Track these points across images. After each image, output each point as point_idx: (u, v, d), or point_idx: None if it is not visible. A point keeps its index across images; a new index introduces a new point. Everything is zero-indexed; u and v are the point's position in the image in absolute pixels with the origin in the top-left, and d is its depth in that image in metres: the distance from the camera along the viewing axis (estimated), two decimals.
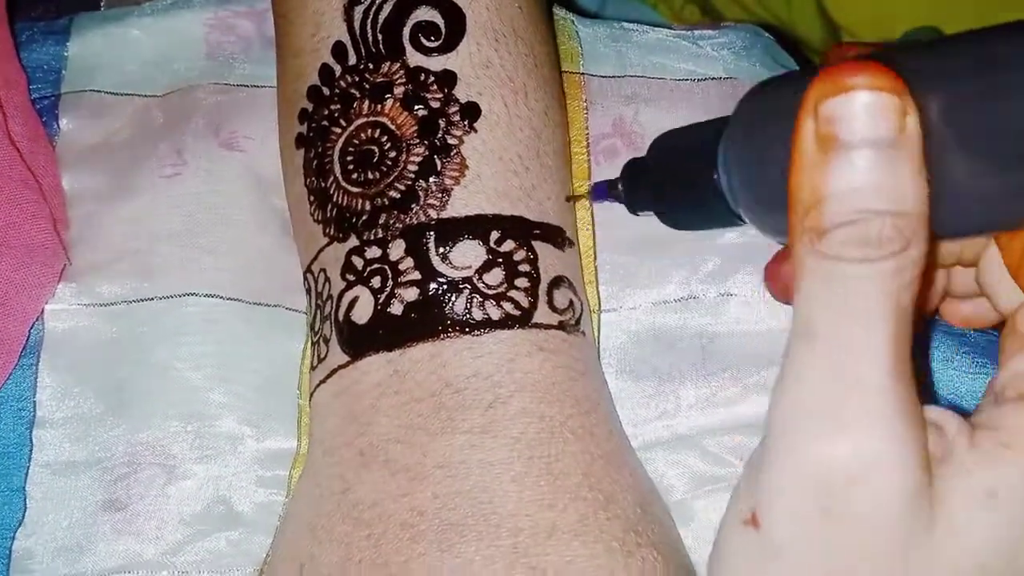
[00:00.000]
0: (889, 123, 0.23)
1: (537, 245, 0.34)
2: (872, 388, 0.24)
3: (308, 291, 0.37)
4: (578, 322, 0.35)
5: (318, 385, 0.35)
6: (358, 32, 0.35)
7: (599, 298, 0.39)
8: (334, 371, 0.34)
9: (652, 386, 0.38)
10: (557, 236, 0.35)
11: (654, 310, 0.39)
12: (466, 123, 0.34)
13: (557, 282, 0.34)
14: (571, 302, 0.35)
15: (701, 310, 0.39)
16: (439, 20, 0.35)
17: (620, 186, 0.36)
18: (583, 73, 0.42)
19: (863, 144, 0.23)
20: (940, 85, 0.24)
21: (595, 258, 0.39)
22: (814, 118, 0.24)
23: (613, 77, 0.42)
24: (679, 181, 0.33)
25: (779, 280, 0.32)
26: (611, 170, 0.40)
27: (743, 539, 0.26)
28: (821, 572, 0.25)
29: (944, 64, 0.24)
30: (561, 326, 0.34)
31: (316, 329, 0.36)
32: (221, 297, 0.39)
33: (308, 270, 0.36)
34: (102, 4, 0.54)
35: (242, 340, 0.39)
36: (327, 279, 0.35)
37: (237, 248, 0.40)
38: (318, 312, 0.36)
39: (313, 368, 0.36)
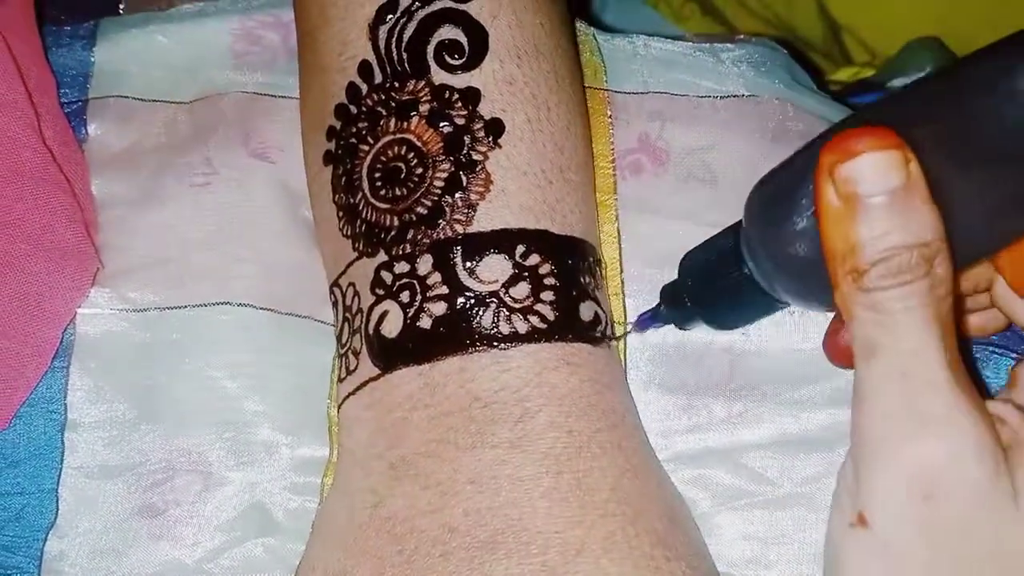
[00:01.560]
0: (897, 173, 0.27)
1: (562, 259, 0.35)
2: (938, 384, 0.28)
3: (335, 304, 0.37)
4: (603, 335, 0.35)
5: (347, 397, 0.36)
6: (383, 51, 0.36)
7: (625, 312, 0.39)
8: (365, 383, 0.35)
9: (683, 399, 0.39)
10: (581, 249, 0.36)
11: None
12: (490, 139, 0.35)
13: (582, 295, 0.35)
14: (596, 315, 0.35)
15: None
16: (462, 38, 0.35)
17: (662, 308, 0.37)
18: (607, 89, 0.43)
19: (880, 195, 0.27)
20: (922, 123, 0.28)
21: (621, 271, 0.40)
22: (831, 181, 0.28)
23: (637, 93, 0.43)
24: (715, 287, 0.34)
25: (836, 347, 0.35)
26: (637, 185, 0.41)
27: (854, 540, 0.29)
28: (926, 556, 0.28)
29: (917, 106, 0.29)
30: (587, 339, 0.34)
31: (344, 342, 0.36)
32: (254, 307, 0.40)
33: (335, 284, 0.37)
34: (121, 8, 0.55)
35: (276, 349, 0.40)
36: (356, 293, 0.36)
37: (268, 258, 0.41)
38: (346, 325, 0.36)
39: (341, 380, 0.36)
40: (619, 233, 0.40)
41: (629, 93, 0.43)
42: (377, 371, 0.34)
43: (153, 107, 0.44)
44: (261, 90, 0.44)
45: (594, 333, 0.35)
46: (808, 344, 0.39)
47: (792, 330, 0.39)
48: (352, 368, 0.36)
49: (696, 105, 0.43)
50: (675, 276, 0.38)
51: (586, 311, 0.35)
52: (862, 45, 0.67)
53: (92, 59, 0.45)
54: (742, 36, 0.46)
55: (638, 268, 0.40)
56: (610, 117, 0.42)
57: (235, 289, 0.40)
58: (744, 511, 0.38)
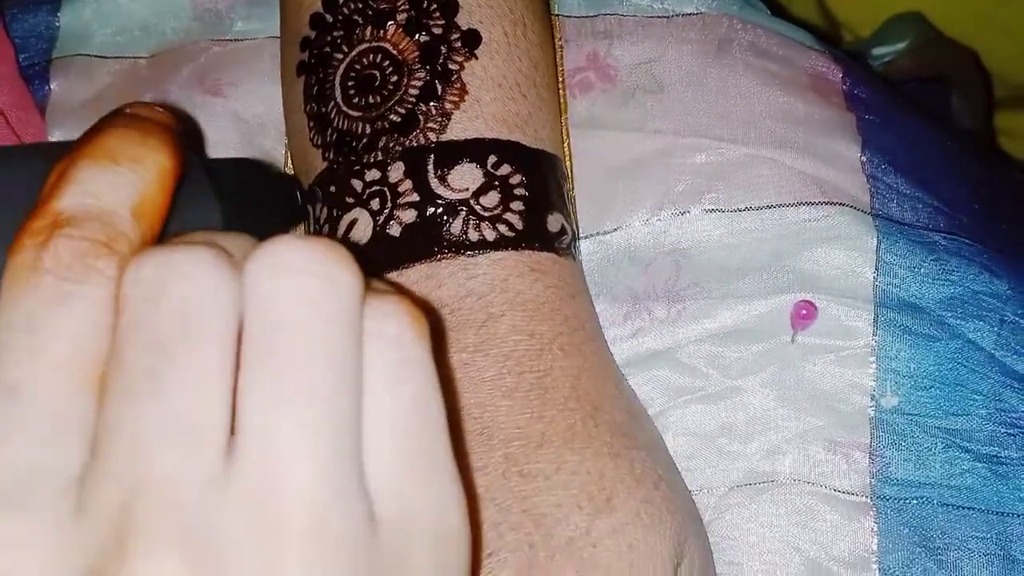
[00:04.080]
0: None
1: (532, 170, 0.35)
2: None
3: (307, 218, 0.37)
4: (569, 246, 0.36)
5: None
6: None
7: (577, 228, 0.40)
8: None
9: (627, 306, 0.39)
10: (551, 163, 0.36)
11: (628, 232, 0.40)
12: (467, 50, 0.35)
13: (550, 207, 0.35)
14: (563, 227, 0.36)
15: (674, 229, 0.40)
16: None
17: None
18: (557, 15, 0.44)
19: None
20: None
21: (572, 189, 0.40)
22: None
23: (587, 17, 0.44)
24: None
25: None
26: (586, 102, 0.42)
27: None
28: None
29: None
30: (553, 249, 0.35)
31: None
32: None
33: (306, 196, 0.37)
34: None
35: None
36: (325, 203, 0.36)
37: None
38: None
39: None
40: (570, 151, 0.41)
41: (578, 17, 0.44)
42: None
43: (115, 63, 0.45)
44: (220, 36, 0.45)
45: (560, 244, 0.36)
46: (745, 237, 0.39)
47: (734, 226, 0.40)
48: None
49: (645, 24, 0.43)
50: (623, 188, 0.38)
51: (553, 222, 0.35)
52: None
53: (57, 23, 0.46)
54: None
55: (587, 183, 0.41)
56: (560, 40, 0.43)
57: None
58: (694, 405, 0.38)
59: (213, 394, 0.22)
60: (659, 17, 0.43)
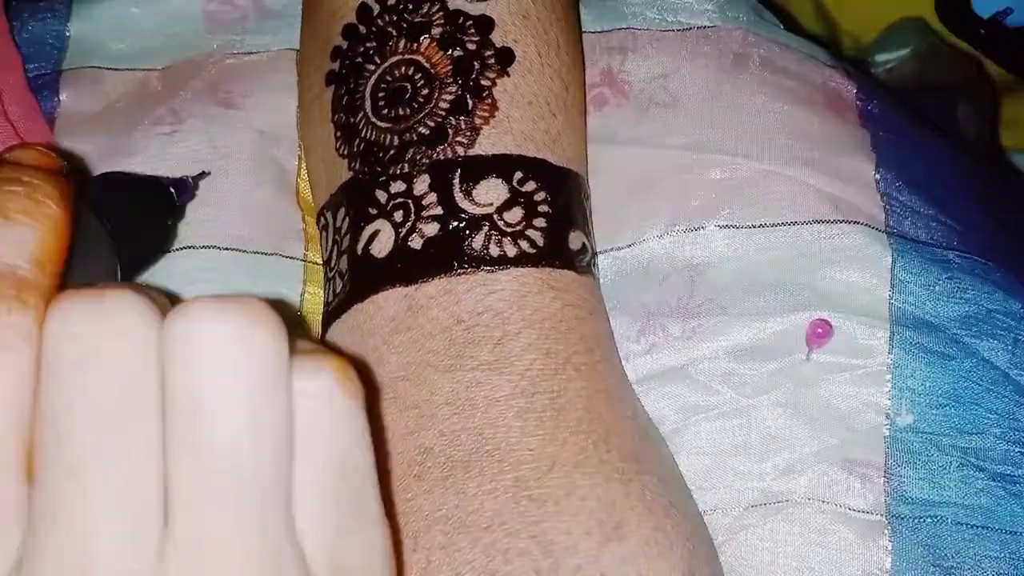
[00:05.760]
0: None
1: (557, 188, 0.35)
2: None
3: (324, 228, 0.37)
4: (588, 264, 0.36)
5: (333, 320, 0.36)
6: None
7: (592, 243, 0.40)
8: (350, 305, 0.35)
9: (641, 322, 0.39)
10: (576, 182, 0.37)
11: (643, 248, 0.40)
12: (500, 67, 0.36)
13: (572, 225, 0.36)
14: (583, 245, 0.36)
15: (688, 244, 0.40)
16: None
17: None
18: None
19: None
20: None
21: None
22: None
23: (600, 32, 0.44)
24: None
25: None
26: (600, 118, 0.42)
27: None
28: None
29: None
30: (572, 266, 0.35)
31: (332, 264, 0.36)
32: (218, 248, 0.40)
33: (326, 206, 0.37)
34: None
35: (241, 287, 0.40)
36: (348, 213, 0.36)
37: (234, 200, 0.41)
38: (335, 247, 0.36)
39: (327, 304, 0.37)
40: (586, 164, 0.40)
41: (592, 33, 0.44)
42: (363, 292, 0.35)
43: (126, 75, 0.45)
44: (232, 49, 0.45)
45: (580, 261, 0.36)
46: (760, 256, 0.39)
47: (748, 243, 0.40)
48: (337, 290, 0.36)
49: (659, 38, 0.44)
50: (638, 204, 0.38)
51: (575, 240, 0.36)
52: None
53: (67, 33, 0.46)
54: None
55: (602, 198, 0.40)
56: None
57: (198, 233, 0.40)
58: (708, 423, 0.38)
59: (153, 469, 0.21)
60: (673, 30, 0.43)
